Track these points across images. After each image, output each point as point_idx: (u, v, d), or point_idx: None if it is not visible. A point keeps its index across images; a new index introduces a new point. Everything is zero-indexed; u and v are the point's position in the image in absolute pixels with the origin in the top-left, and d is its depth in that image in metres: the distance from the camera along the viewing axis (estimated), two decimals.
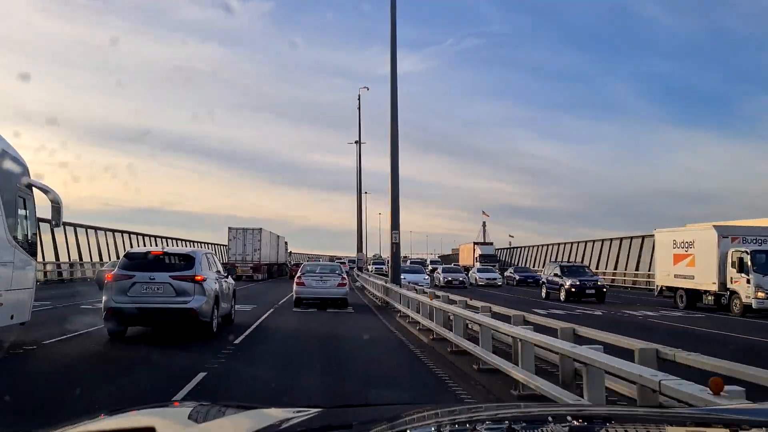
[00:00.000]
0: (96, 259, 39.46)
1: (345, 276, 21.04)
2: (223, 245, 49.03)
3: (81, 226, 38.19)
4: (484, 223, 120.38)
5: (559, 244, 55.08)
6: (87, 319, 13.19)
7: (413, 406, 2.09)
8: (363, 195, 52.72)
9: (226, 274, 13.99)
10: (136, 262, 11.82)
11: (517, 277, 43.38)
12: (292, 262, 58.82)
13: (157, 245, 47.63)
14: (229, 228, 43.43)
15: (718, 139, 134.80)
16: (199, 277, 11.57)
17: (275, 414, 1.84)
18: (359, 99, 48.17)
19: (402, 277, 23.07)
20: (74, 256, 37.61)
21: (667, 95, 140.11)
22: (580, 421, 1.88)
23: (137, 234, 47.79)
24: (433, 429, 1.73)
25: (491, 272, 42.65)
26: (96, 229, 40.53)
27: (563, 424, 1.77)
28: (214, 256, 14.02)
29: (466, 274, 40.64)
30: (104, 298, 11.40)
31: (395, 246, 22.30)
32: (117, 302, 11.16)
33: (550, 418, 1.86)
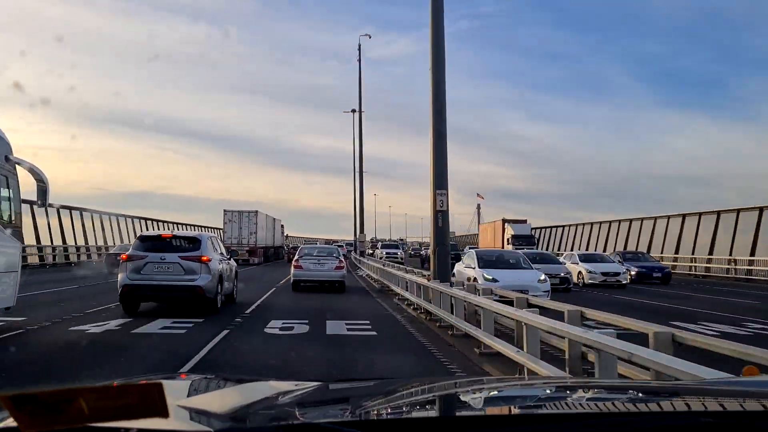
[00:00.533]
0: (101, 242, 40.65)
1: (342, 259, 21.43)
2: (218, 228, 48.42)
3: (76, 209, 38.58)
4: (478, 205, 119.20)
5: (576, 225, 50.64)
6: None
7: (412, 380, 2.21)
8: (362, 173, 50.26)
9: (228, 257, 15.19)
10: (148, 243, 13.04)
11: (634, 270, 26.20)
12: (290, 246, 58.95)
13: (155, 228, 48.91)
14: (225, 211, 43.00)
15: (711, 121, 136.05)
16: (205, 258, 12.76)
17: (276, 386, 1.88)
18: (359, 49, 45.95)
19: (489, 274, 15.94)
20: (75, 240, 38.71)
21: (660, 77, 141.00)
22: (576, 391, 1.93)
23: (137, 218, 48.54)
24: (430, 402, 1.74)
25: (608, 263, 25.22)
26: (95, 212, 40.88)
27: (562, 396, 1.80)
28: (218, 240, 15.22)
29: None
30: (120, 276, 12.59)
31: (440, 216, 13.39)
32: (131, 280, 12.37)
33: (548, 390, 1.90)
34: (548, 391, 1.92)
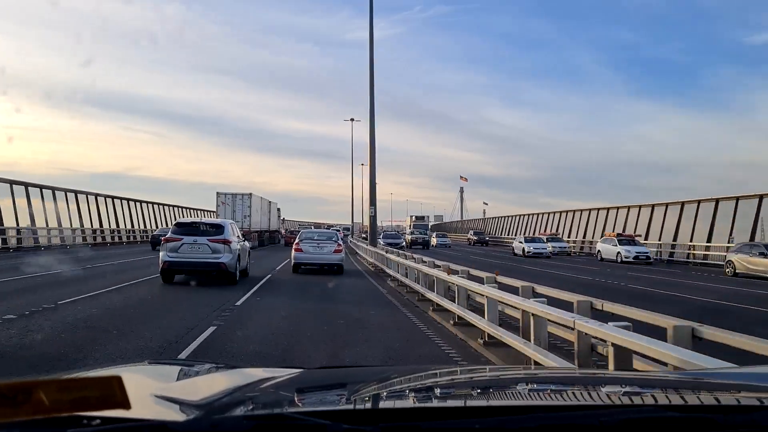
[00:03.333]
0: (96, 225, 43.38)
1: (341, 243, 22.57)
2: (211, 211, 47.62)
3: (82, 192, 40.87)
4: (461, 188, 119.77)
5: (530, 214, 58.79)
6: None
7: (395, 368, 2.33)
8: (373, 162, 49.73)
9: (243, 239, 18.63)
10: (183, 229, 16.60)
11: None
12: (288, 229, 60.16)
13: (159, 212, 52.47)
14: (218, 193, 42.34)
15: (682, 110, 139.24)
16: (227, 240, 16.19)
17: (256, 374, 1.90)
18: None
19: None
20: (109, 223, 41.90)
21: (632, 66, 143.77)
22: (554, 380, 2.00)
23: (121, 198, 49.45)
24: (401, 389, 1.73)
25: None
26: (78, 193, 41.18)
27: (536, 384, 1.84)
28: (236, 225, 18.65)
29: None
30: (161, 254, 16.04)
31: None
32: (170, 257, 15.81)
33: (530, 381, 1.95)
34: (535, 381, 1.94)
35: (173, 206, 61.73)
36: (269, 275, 20.12)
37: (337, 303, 13.53)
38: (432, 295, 12.51)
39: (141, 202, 54.00)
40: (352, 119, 53.22)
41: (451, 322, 10.65)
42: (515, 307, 7.83)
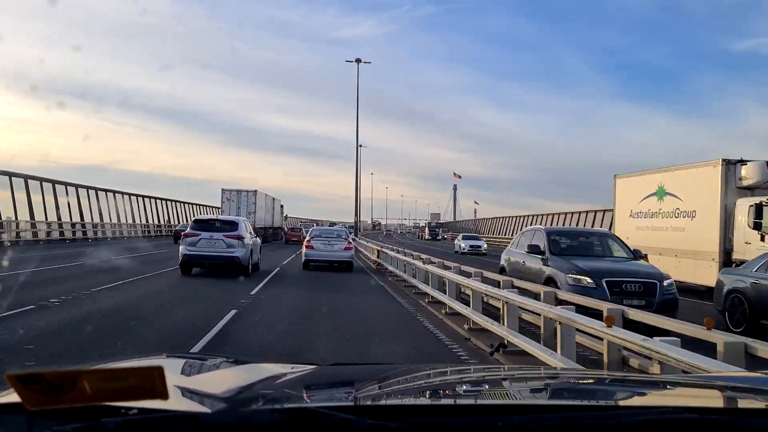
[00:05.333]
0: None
1: (351, 241, 23.20)
2: (216, 207, 49.23)
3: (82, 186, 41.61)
4: (455, 186, 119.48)
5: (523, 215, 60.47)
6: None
7: (410, 366, 2.39)
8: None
9: (255, 235, 20.14)
10: (201, 224, 18.23)
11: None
12: (289, 227, 59.99)
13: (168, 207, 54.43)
14: (222, 190, 43.13)
15: (667, 115, 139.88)
16: (241, 236, 17.71)
17: (271, 368, 1.93)
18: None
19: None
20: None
21: (619, 69, 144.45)
22: (572, 381, 2.02)
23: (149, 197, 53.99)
24: (418, 390, 1.75)
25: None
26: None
27: (554, 383, 1.87)
28: (248, 222, 20.18)
29: None
30: (180, 248, 17.59)
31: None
32: (189, 251, 17.35)
33: (540, 379, 1.99)
34: (553, 381, 1.98)
35: (184, 203, 64.29)
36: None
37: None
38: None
39: (157, 198, 56.56)
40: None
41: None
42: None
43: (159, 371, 1.02)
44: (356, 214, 53.39)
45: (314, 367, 1.98)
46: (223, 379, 1.79)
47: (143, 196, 52.83)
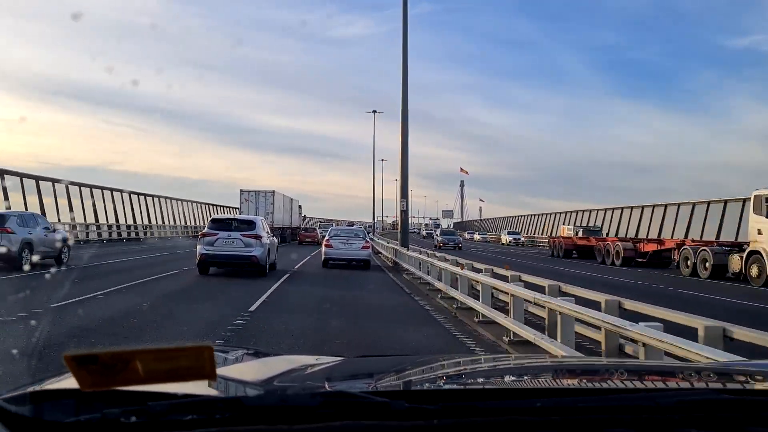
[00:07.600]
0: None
1: (368, 240, 23.36)
2: (235, 208, 49.49)
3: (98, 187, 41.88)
4: (462, 182, 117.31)
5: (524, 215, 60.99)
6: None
7: (429, 356, 2.41)
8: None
9: (272, 235, 20.17)
10: (218, 224, 18.25)
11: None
12: (302, 226, 59.11)
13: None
14: (241, 191, 43.75)
15: (662, 113, 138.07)
16: (258, 235, 17.72)
17: (299, 360, 1.94)
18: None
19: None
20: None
21: (614, 67, 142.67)
22: (592, 367, 2.06)
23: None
24: (444, 377, 1.76)
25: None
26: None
27: (571, 375, 1.87)
28: (266, 222, 20.21)
29: None
30: (198, 247, 17.63)
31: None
32: (207, 251, 17.37)
33: (557, 369, 1.99)
34: (576, 367, 2.01)
35: (207, 204, 65.25)
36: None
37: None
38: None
39: (174, 200, 56.78)
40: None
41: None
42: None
43: (209, 351, 1.02)
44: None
45: (341, 359, 2.02)
46: (255, 368, 1.85)
47: (176, 200, 55.69)
